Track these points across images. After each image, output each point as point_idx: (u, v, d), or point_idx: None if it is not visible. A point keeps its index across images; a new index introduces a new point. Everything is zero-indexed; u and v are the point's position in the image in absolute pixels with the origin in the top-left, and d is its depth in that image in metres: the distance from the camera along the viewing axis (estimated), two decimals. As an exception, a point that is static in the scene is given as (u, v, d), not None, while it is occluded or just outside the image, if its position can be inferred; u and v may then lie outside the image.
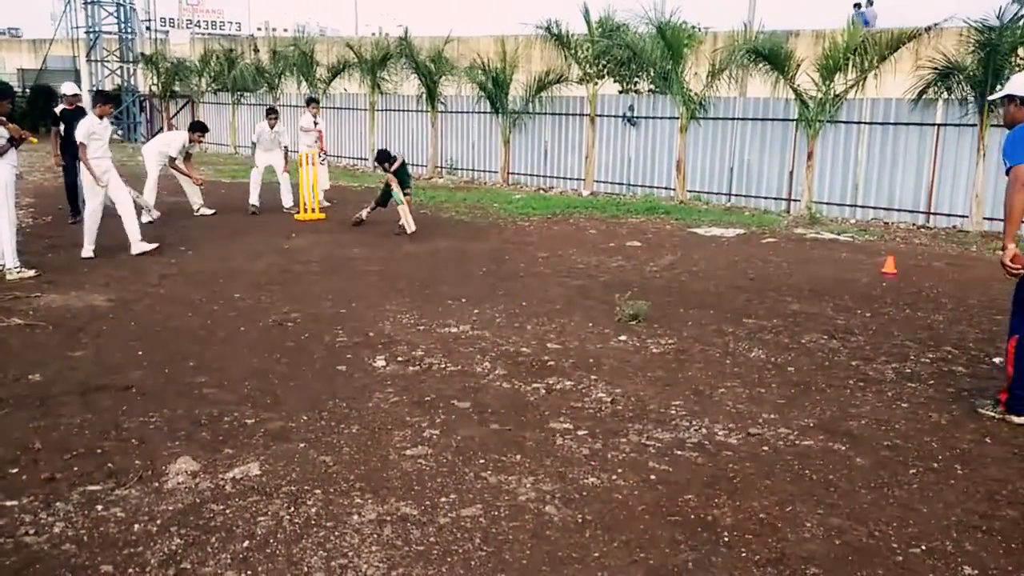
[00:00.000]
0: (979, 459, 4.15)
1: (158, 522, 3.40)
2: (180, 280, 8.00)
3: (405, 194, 11.11)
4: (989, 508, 3.64)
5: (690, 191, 15.12)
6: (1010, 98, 4.75)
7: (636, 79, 16.88)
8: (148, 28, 29.55)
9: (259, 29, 39.81)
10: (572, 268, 8.94)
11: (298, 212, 12.41)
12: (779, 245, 10.79)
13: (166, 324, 6.43)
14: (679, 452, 4.17)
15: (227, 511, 3.51)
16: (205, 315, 6.71)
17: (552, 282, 8.19)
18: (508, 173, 17.99)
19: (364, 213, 11.61)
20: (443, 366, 5.51)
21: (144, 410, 4.63)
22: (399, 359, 5.63)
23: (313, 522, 3.42)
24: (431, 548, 3.23)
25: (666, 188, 15.58)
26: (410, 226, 10.75)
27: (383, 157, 11.41)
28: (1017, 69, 12.36)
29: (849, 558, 3.21)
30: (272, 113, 13.02)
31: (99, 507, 3.52)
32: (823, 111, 13.49)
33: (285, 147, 13.09)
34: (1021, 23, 12.43)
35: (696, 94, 14.77)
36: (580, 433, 4.41)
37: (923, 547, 3.30)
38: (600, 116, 16.47)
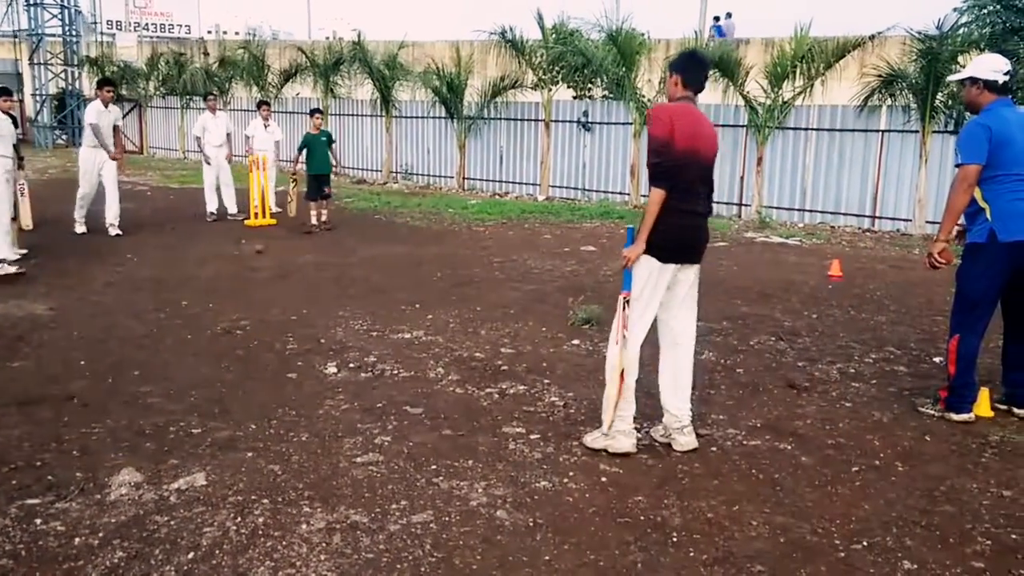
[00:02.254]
0: (919, 456, 4.25)
1: (100, 535, 3.33)
2: (125, 287, 7.85)
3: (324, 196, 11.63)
4: (928, 504, 3.72)
5: (644, 196, 15.26)
6: (972, 80, 4.76)
7: (590, 85, 17.03)
8: (94, 30, 28.99)
9: (209, 32, 39.23)
10: (526, 273, 8.97)
11: (247, 218, 12.26)
12: (730, 249, 10.94)
13: (110, 333, 6.31)
14: (626, 454, 4.19)
15: (172, 522, 3.44)
16: (151, 323, 6.60)
17: (506, 287, 8.21)
18: (464, 178, 17.99)
19: (313, 218, 11.59)
20: (396, 372, 5.49)
21: (86, 421, 4.53)
22: (351, 365, 5.59)
23: (260, 532, 3.38)
24: (381, 555, 3.21)
25: (620, 193, 15.72)
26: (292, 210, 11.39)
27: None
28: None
29: (793, 555, 3.26)
30: (210, 96, 12.91)
31: (38, 521, 3.43)
32: (772, 117, 13.74)
33: (228, 134, 12.85)
34: (960, 32, 12.80)
35: (649, 100, 14.93)
36: (532, 437, 4.42)
37: (865, 543, 3.36)
38: (555, 122, 16.57)
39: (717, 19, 23.45)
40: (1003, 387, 4.96)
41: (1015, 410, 4.82)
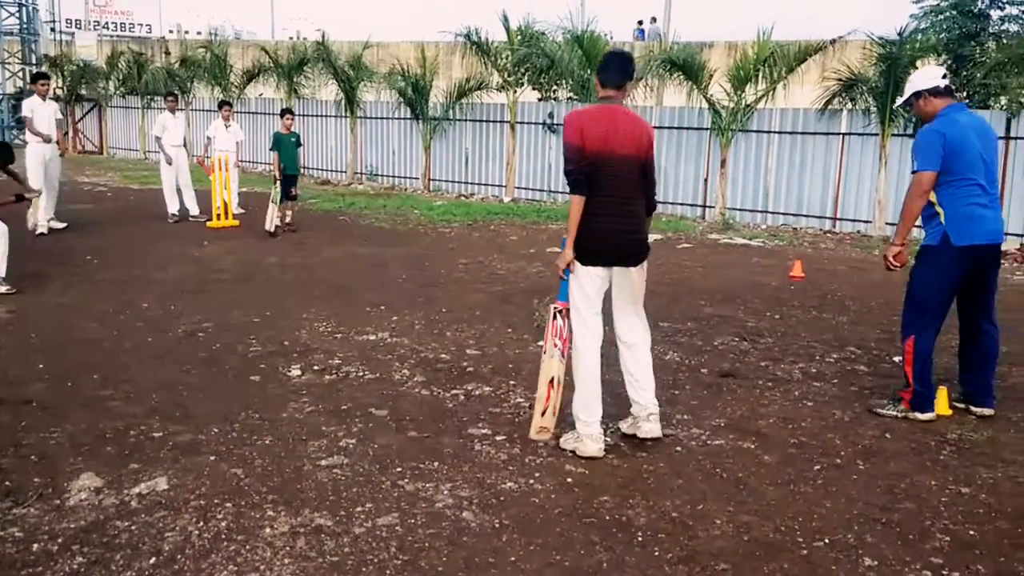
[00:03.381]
0: (879, 454, 4.32)
1: (59, 541, 3.27)
2: (85, 290, 7.72)
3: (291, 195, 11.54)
4: (889, 501, 3.79)
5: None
6: (917, 95, 4.90)
7: (555, 87, 17.07)
8: (52, 29, 28.47)
9: (171, 32, 38.75)
10: (492, 274, 8.97)
11: (210, 219, 12.11)
12: (694, 250, 11.04)
13: (70, 335, 6.19)
14: (592, 456, 4.21)
15: (133, 527, 3.39)
16: (111, 326, 6.49)
17: (472, 288, 8.20)
18: (429, 180, 17.95)
19: (276, 220, 11.45)
20: (360, 374, 5.45)
21: (45, 425, 4.44)
22: (315, 368, 5.55)
23: (223, 536, 3.34)
24: (346, 558, 3.19)
25: (585, 195, 15.76)
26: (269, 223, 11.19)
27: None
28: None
29: (757, 553, 3.30)
30: (170, 96, 12.71)
31: (-6, 527, 3.37)
32: (735, 120, 13.88)
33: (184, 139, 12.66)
34: (919, 37, 13.05)
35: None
36: (499, 439, 4.42)
37: (826, 540, 3.41)
38: (520, 123, 16.59)
39: (640, 23, 25.17)
40: (960, 387, 5.06)
41: (973, 409, 4.91)
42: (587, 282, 4.23)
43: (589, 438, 4.20)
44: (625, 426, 4.48)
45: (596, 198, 4.12)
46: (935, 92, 4.82)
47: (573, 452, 4.22)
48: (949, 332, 5.15)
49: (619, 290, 4.31)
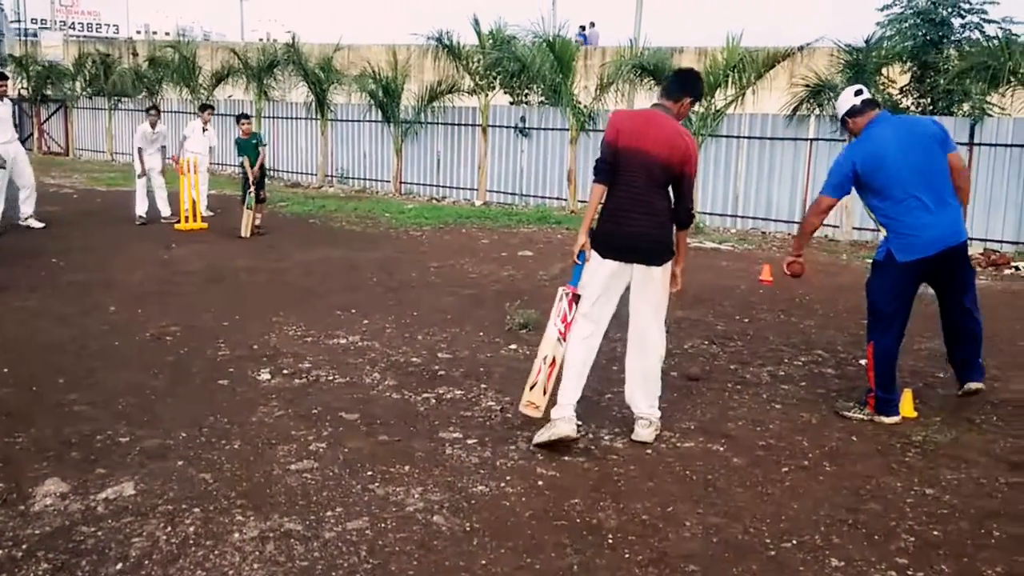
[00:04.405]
0: (846, 456, 4.38)
1: (24, 547, 3.22)
2: (50, 292, 7.60)
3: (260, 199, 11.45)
4: (855, 503, 3.84)
5: (581, 201, 15.39)
6: (842, 121, 5.02)
7: (527, 91, 17.11)
8: (17, 29, 28.02)
9: (139, 32, 38.33)
10: (464, 278, 8.97)
11: (178, 221, 11.98)
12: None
13: (34, 339, 6.10)
14: (566, 458, 4.23)
15: (99, 533, 3.35)
16: (77, 329, 6.40)
17: (443, 292, 8.19)
18: (400, 183, 17.90)
19: (250, 226, 11.36)
20: (331, 378, 5.43)
21: (9, 430, 4.37)
22: (285, 372, 5.51)
23: (191, 541, 3.30)
24: (315, 563, 3.17)
25: (557, 198, 15.83)
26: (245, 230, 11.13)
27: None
28: (882, 87, 13.16)
29: (726, 555, 3.33)
30: (152, 110, 12.50)
31: (-44, 535, 3.30)
32: (705, 125, 13.99)
33: (163, 148, 12.41)
34: (884, 44, 13.26)
35: (585, 107, 15.08)
36: (470, 442, 4.42)
37: (794, 541, 3.45)
38: (492, 127, 16.60)
39: (583, 28, 25.69)
40: (957, 379, 5.11)
41: (968, 385, 4.99)
42: (594, 269, 4.32)
43: (562, 420, 4.25)
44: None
45: (617, 192, 4.27)
46: (853, 113, 4.89)
47: (550, 442, 4.24)
48: (915, 336, 5.23)
49: (639, 291, 4.36)
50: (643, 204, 4.25)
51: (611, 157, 4.25)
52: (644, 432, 4.41)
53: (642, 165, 4.21)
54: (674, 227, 4.40)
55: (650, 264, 4.31)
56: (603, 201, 4.34)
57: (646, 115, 4.36)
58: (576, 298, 4.39)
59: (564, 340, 4.40)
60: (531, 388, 4.42)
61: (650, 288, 4.36)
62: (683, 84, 4.42)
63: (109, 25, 34.02)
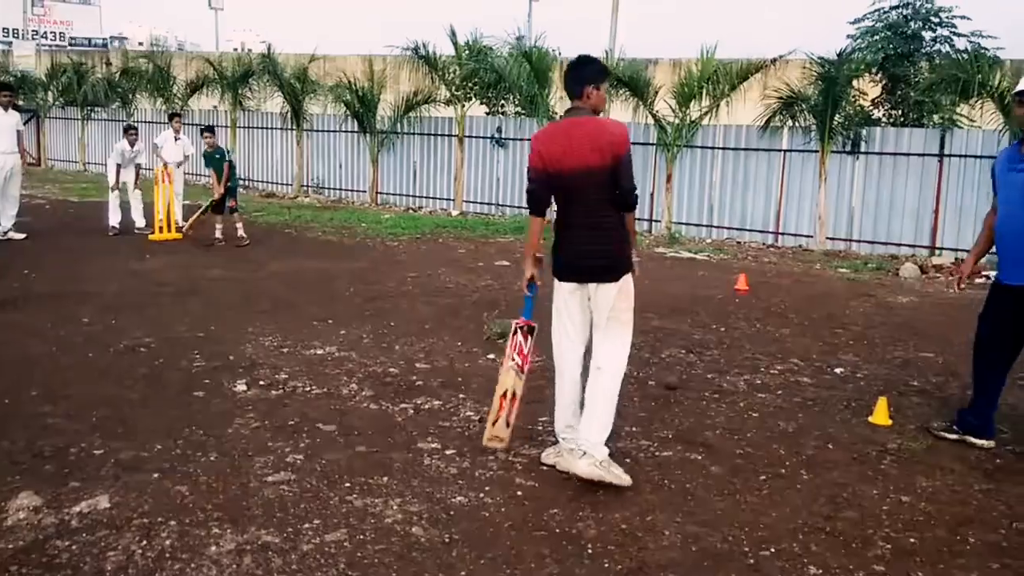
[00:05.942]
0: (822, 464, 4.41)
1: (-7, 564, 3.17)
2: (23, 304, 7.49)
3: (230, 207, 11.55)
4: (832, 510, 3.87)
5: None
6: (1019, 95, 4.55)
7: (503, 101, 17.16)
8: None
9: (112, 40, 38.01)
10: (441, 287, 8.95)
11: (152, 232, 11.88)
12: (641, 264, 11.12)
13: (6, 351, 6.00)
14: (545, 467, 4.23)
15: (73, 547, 3.29)
16: (51, 341, 6.31)
17: (421, 302, 8.17)
18: (377, 193, 17.87)
19: (217, 232, 11.34)
20: (308, 389, 5.39)
21: (-22, 444, 4.30)
22: (261, 383, 5.47)
23: (167, 555, 3.26)
24: (293, 576, 3.15)
25: (533, 209, 15.83)
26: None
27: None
28: (854, 99, 13.34)
29: (704, 563, 3.34)
30: (131, 131, 12.41)
31: (-76, 551, 3.24)
32: (680, 136, 14.11)
33: (138, 165, 12.42)
34: (855, 56, 13.45)
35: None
36: (448, 452, 4.40)
37: (772, 549, 3.47)
38: (468, 137, 16.63)
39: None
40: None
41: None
42: (558, 296, 4.25)
43: (568, 452, 4.11)
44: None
45: (562, 214, 4.17)
46: None
47: (552, 467, 4.19)
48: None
49: (594, 307, 4.17)
50: (589, 225, 4.08)
51: (541, 185, 4.08)
52: (582, 466, 3.94)
53: (578, 184, 4.02)
54: (626, 236, 4.23)
55: (603, 283, 4.13)
56: (554, 223, 4.22)
57: (565, 128, 4.08)
58: (529, 330, 4.33)
59: (523, 373, 4.33)
60: (493, 423, 4.36)
61: (605, 303, 4.13)
62: (579, 77, 4.11)
63: (81, 38, 33.72)
